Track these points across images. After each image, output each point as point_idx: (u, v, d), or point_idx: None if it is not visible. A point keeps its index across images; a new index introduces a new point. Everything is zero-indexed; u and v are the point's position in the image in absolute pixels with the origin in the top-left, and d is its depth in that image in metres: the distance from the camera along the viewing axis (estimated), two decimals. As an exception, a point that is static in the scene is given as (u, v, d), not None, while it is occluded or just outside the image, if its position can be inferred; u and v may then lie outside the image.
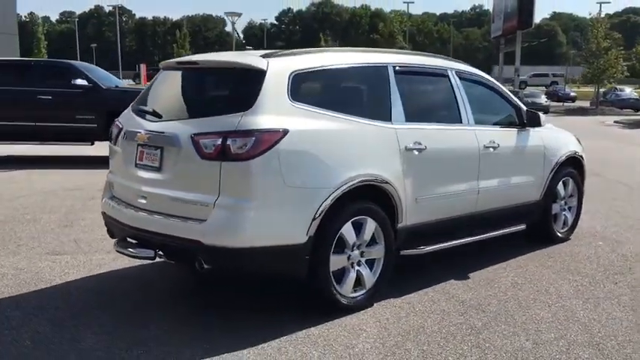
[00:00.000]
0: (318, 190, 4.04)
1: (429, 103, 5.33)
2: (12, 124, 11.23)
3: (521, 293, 4.86)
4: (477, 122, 5.42)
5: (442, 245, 5.08)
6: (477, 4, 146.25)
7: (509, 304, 4.61)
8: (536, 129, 6.01)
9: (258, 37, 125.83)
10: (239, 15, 23.14)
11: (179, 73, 4.65)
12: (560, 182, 6.31)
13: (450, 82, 5.25)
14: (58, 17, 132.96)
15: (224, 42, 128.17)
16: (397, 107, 4.70)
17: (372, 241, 4.49)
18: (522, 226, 5.95)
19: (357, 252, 4.41)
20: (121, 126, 4.62)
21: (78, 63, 12.83)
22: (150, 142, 4.22)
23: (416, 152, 4.70)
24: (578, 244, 6.34)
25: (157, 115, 4.33)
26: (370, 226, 4.42)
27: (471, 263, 5.55)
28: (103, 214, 4.73)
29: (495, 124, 5.77)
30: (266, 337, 3.92)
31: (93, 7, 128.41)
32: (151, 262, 4.41)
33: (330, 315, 4.25)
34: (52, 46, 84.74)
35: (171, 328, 4.07)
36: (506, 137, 5.64)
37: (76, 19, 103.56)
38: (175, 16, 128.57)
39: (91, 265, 5.38)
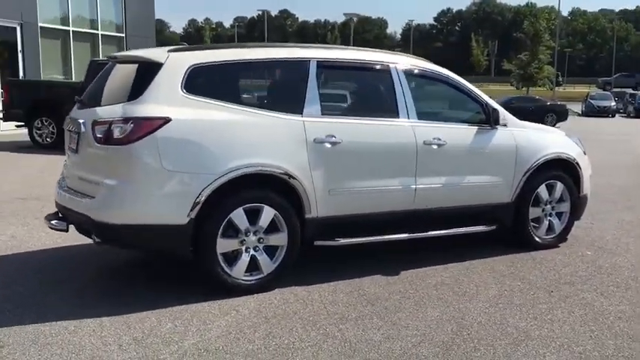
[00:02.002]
0: (199, 176, 4.32)
1: (357, 98, 5.35)
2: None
3: (433, 292, 4.77)
4: (425, 118, 5.34)
5: (363, 239, 5.10)
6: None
7: (406, 302, 4.56)
8: (510, 128, 5.77)
9: (415, 38, 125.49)
10: (356, 15, 23.53)
11: (109, 66, 5.13)
12: (543, 185, 5.97)
13: (391, 78, 5.23)
14: (232, 22, 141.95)
15: (382, 44, 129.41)
16: (312, 101, 4.82)
17: (273, 229, 4.66)
18: (486, 228, 5.73)
19: (253, 238, 4.60)
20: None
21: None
22: (72, 128, 4.75)
23: (328, 145, 4.78)
24: (559, 252, 5.98)
25: (82, 104, 4.84)
26: (267, 213, 4.60)
27: (412, 260, 5.49)
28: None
29: (453, 121, 5.62)
30: (148, 307, 4.28)
31: (260, 12, 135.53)
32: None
33: (222, 294, 4.50)
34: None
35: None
36: (458, 134, 5.48)
37: (237, 24, 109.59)
38: (336, 19, 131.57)
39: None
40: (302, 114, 4.76)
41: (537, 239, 6.00)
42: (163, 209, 4.30)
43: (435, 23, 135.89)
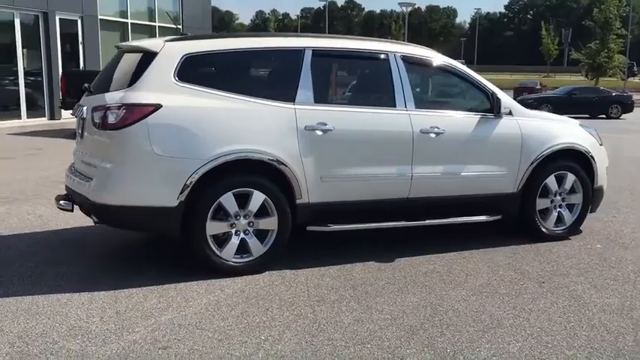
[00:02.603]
0: (188, 161, 4.52)
1: (353, 86, 5.42)
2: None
3: (420, 279, 4.81)
4: (424, 107, 5.37)
5: (356, 226, 5.19)
6: None
7: (389, 287, 4.63)
8: (516, 117, 5.71)
9: (484, 26, 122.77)
10: (412, 5, 23.32)
11: (118, 55, 5.37)
12: (552, 176, 5.88)
13: (389, 67, 5.27)
14: (299, 13, 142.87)
15: (448, 33, 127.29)
16: (305, 89, 4.93)
17: (264, 213, 4.82)
18: (489, 218, 5.70)
19: (243, 221, 4.77)
20: None
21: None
22: (79, 114, 5.04)
23: (319, 132, 4.89)
24: (568, 244, 5.89)
25: (89, 92, 5.12)
26: (257, 198, 4.75)
27: (410, 248, 5.55)
28: None
29: (455, 110, 5.61)
30: (142, 284, 4.53)
31: (327, 3, 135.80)
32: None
33: (214, 275, 4.70)
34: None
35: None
36: (459, 123, 5.47)
37: (304, 15, 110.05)
38: (403, 9, 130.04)
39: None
40: (294, 102, 4.88)
41: (545, 230, 5.92)
42: (154, 192, 4.52)
43: (506, 11, 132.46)
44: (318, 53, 5.08)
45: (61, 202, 5.01)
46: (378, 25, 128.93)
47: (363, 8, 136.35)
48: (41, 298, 4.25)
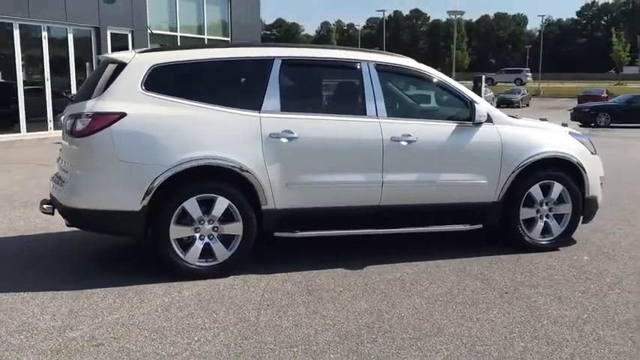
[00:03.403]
0: (151, 167, 4.70)
1: (322, 95, 5.47)
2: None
3: (380, 287, 4.82)
4: (397, 115, 5.39)
5: (323, 232, 5.25)
6: None
7: (345, 294, 4.66)
8: (496, 125, 5.64)
9: (555, 33, 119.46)
10: (462, 13, 23.08)
11: (101, 66, 5.59)
12: (537, 185, 5.75)
13: (360, 76, 5.31)
14: (365, 23, 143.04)
15: (517, 40, 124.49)
16: (272, 98, 5.05)
17: (228, 218, 4.95)
18: (469, 227, 5.64)
19: (208, 226, 4.92)
20: None
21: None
22: (62, 122, 5.32)
23: (284, 140, 4.99)
24: (553, 255, 5.75)
25: (71, 101, 5.40)
26: (221, 204, 4.89)
27: (385, 255, 5.56)
28: None
29: (431, 118, 5.60)
30: (107, 284, 4.73)
31: (392, 13, 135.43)
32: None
33: (175, 277, 4.85)
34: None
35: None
36: (433, 131, 5.44)
37: (369, 25, 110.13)
38: (469, 17, 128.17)
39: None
40: (260, 110, 4.99)
41: (529, 240, 5.79)
42: (119, 196, 4.72)
43: (578, 18, 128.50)
44: (287, 63, 5.18)
45: (44, 206, 5.29)
46: (444, 33, 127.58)
47: (429, 17, 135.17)
48: (6, 296, 4.50)
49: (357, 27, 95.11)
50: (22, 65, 16.18)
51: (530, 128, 5.87)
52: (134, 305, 4.37)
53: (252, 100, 5.02)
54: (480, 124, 5.52)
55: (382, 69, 5.43)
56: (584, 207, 5.97)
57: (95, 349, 3.67)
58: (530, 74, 67.30)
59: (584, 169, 5.85)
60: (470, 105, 5.52)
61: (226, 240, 4.98)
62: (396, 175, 5.31)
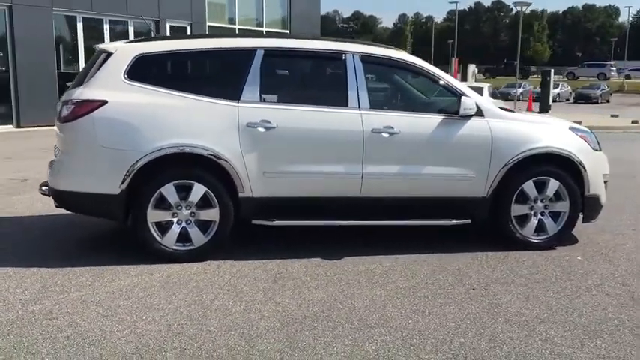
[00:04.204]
0: (129, 153, 4.91)
1: (303, 86, 5.51)
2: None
3: (347, 278, 4.84)
4: (381, 107, 5.38)
5: (299, 222, 5.31)
6: None
7: (310, 283, 4.71)
8: (487, 119, 5.52)
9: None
10: (528, 4, 22.34)
11: (96, 55, 5.83)
12: (530, 182, 5.59)
13: (344, 67, 5.32)
14: (445, 16, 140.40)
15: (605, 33, 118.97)
16: (252, 87, 5.14)
17: (206, 205, 5.10)
18: (456, 222, 5.55)
19: (185, 211, 5.09)
20: None
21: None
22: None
23: (261, 129, 5.09)
24: (545, 254, 5.57)
25: (69, 87, 5.68)
26: (198, 190, 5.04)
27: (371, 246, 5.58)
28: None
29: (418, 111, 5.54)
30: (86, 264, 4.98)
31: (473, 4, 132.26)
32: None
33: (150, 258, 5.05)
34: (421, 44, 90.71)
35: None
36: (417, 124, 5.38)
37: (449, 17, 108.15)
38: (556, 8, 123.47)
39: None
40: (239, 100, 5.10)
41: (522, 238, 5.64)
42: (99, 180, 4.96)
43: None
44: (269, 53, 5.26)
45: (43, 188, 5.60)
46: (526, 25, 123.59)
47: (512, 9, 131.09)
48: (-6, 270, 4.82)
49: (437, 20, 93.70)
50: (84, 57, 16.96)
51: (524, 123, 5.70)
52: (103, 284, 4.59)
53: (231, 90, 5.13)
54: (468, 117, 5.41)
55: (368, 60, 5.42)
56: (584, 206, 5.74)
57: (47, 322, 3.90)
58: (614, 69, 64.18)
59: (582, 166, 5.63)
60: (459, 98, 5.42)
61: (204, 226, 5.12)
62: (377, 167, 5.29)
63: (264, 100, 5.16)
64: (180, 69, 5.28)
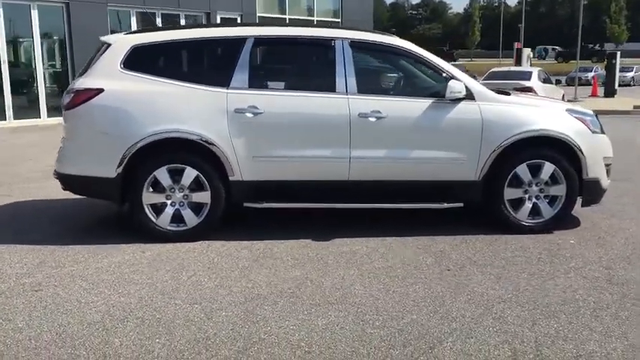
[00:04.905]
0: (124, 138, 5.21)
1: (293, 72, 5.64)
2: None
3: (327, 258, 4.97)
4: (368, 92, 5.46)
5: (287, 204, 5.48)
6: None
7: (289, 262, 4.88)
8: (479, 102, 5.52)
9: None
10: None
11: (101, 46, 6.14)
12: (524, 165, 5.56)
13: (333, 54, 5.44)
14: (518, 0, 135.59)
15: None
16: (241, 75, 5.35)
17: (198, 188, 5.35)
18: (447, 205, 5.59)
19: (179, 194, 5.36)
20: None
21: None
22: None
23: (249, 115, 5.29)
24: (539, 237, 5.53)
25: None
26: (190, 173, 5.30)
27: (360, 229, 5.70)
28: None
29: (407, 95, 5.59)
30: (82, 241, 5.34)
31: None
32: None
33: (144, 239, 5.36)
34: (490, 29, 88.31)
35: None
36: (404, 108, 5.44)
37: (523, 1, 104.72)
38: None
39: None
40: (228, 87, 5.31)
41: (516, 222, 5.61)
42: (97, 164, 5.29)
43: None
44: (259, 41, 5.45)
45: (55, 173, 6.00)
46: (605, 7, 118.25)
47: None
48: (2, 247, 5.24)
49: (510, 3, 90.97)
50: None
51: (518, 105, 5.64)
52: (96, 261, 4.92)
53: (221, 78, 5.35)
54: (457, 100, 5.43)
55: (358, 46, 5.51)
56: (583, 189, 5.65)
57: (33, 293, 4.24)
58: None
59: (579, 149, 5.54)
60: (447, 82, 5.44)
61: (196, 208, 5.38)
62: (364, 151, 5.39)
63: (253, 87, 5.34)
64: (174, 58, 5.54)
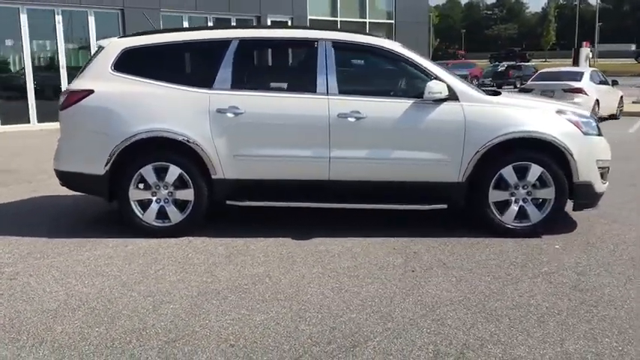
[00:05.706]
0: (112, 137, 5.46)
1: (275, 72, 5.72)
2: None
3: (300, 256, 5.03)
4: (349, 93, 5.49)
5: (268, 203, 5.58)
6: None
7: (259, 259, 4.97)
8: (462, 103, 5.46)
9: None
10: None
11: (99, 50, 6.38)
12: (509, 167, 5.45)
13: (315, 54, 5.51)
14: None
15: None
16: (224, 76, 5.50)
17: (182, 185, 5.54)
18: (430, 206, 5.55)
19: (163, 191, 5.57)
20: None
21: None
22: (69, 96, 6.28)
23: (230, 115, 5.43)
24: (524, 241, 5.41)
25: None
26: (173, 171, 5.50)
27: (345, 230, 5.72)
28: None
29: (390, 96, 5.58)
30: (73, 235, 5.60)
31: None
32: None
33: (132, 234, 5.58)
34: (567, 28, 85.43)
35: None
36: (384, 108, 5.43)
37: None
38: None
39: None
40: (211, 88, 5.47)
41: (502, 225, 5.50)
42: (87, 162, 5.56)
43: None
44: (244, 43, 5.58)
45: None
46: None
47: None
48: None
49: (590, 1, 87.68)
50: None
51: (505, 106, 5.52)
52: (79, 253, 5.17)
53: (206, 79, 5.51)
54: (440, 101, 5.38)
55: (340, 47, 5.55)
56: (574, 193, 5.48)
57: (7, 282, 4.52)
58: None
59: (568, 151, 5.38)
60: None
61: (180, 204, 5.56)
62: (344, 151, 5.42)
63: (236, 88, 5.47)
64: (162, 60, 5.73)
